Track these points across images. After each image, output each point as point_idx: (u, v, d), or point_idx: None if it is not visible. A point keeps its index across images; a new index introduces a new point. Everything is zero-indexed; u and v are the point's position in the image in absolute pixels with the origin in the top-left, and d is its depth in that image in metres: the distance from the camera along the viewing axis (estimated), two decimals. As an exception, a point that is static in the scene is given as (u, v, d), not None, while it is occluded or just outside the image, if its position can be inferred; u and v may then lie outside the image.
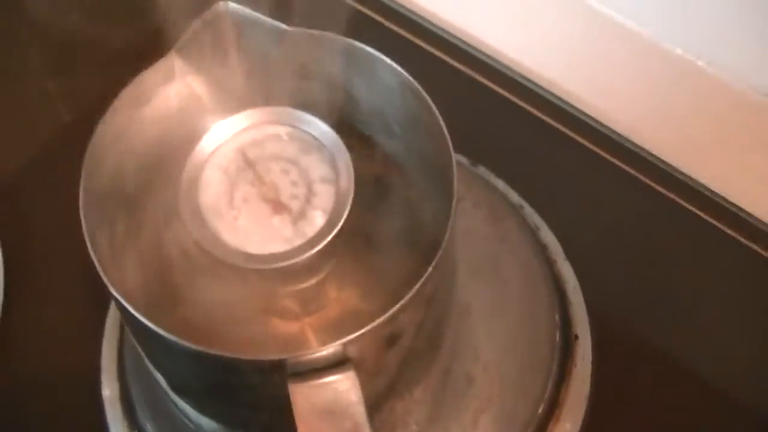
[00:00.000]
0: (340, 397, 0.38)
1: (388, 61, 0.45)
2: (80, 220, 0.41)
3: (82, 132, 0.63)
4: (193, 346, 0.38)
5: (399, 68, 0.44)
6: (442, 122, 0.43)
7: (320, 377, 0.38)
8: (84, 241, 0.54)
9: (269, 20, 0.45)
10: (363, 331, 0.38)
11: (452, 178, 0.42)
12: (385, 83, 0.46)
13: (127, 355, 0.60)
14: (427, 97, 0.44)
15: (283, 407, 0.39)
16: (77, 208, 0.40)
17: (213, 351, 0.38)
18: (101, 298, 0.61)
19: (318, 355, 0.38)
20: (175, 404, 0.52)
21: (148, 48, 0.47)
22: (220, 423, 0.49)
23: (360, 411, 0.38)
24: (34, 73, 0.76)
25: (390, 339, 0.41)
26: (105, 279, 0.39)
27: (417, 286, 0.39)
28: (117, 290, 0.39)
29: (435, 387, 0.53)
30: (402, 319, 0.40)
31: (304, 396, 0.38)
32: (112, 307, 0.62)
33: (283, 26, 0.46)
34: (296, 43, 0.46)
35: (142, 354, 0.49)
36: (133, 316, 0.39)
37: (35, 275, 0.65)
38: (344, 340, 0.38)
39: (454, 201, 0.41)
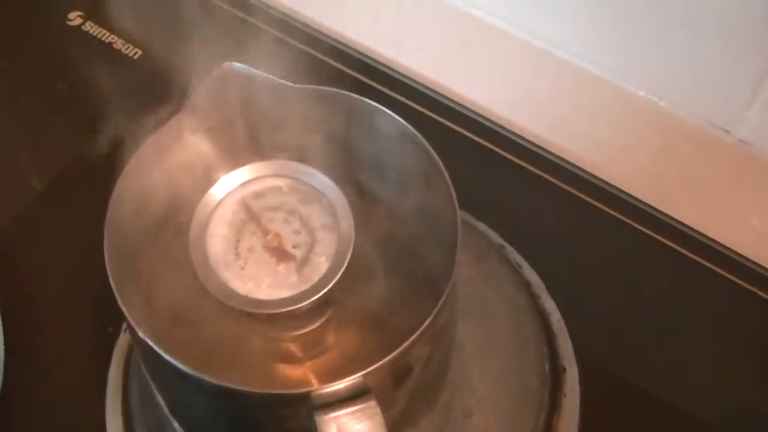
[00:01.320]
0: (365, 425, 0.40)
1: (388, 111, 0.47)
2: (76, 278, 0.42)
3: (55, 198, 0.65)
4: (227, 384, 0.40)
5: (398, 118, 0.47)
6: (443, 168, 0.45)
7: (345, 407, 0.40)
8: (81, 295, 0.57)
9: (273, 78, 0.48)
10: (382, 362, 0.40)
11: (455, 214, 0.44)
12: (385, 133, 0.48)
13: (134, 410, 0.61)
14: (428, 145, 0.46)
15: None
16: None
17: (243, 387, 0.40)
18: (102, 355, 0.63)
19: (341, 386, 0.40)
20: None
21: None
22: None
23: (383, 433, 0.40)
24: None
25: (404, 371, 0.43)
26: (132, 322, 0.42)
27: (431, 317, 0.41)
28: (144, 332, 0.41)
29: (437, 421, 0.56)
30: (416, 351, 0.43)
31: (330, 426, 0.40)
32: (114, 362, 0.63)
33: (287, 83, 0.48)
34: (299, 99, 0.49)
35: (161, 402, 0.51)
36: (162, 359, 0.41)
37: (33, 331, 0.66)
38: (365, 371, 0.40)
39: (459, 231, 0.44)
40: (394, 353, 0.40)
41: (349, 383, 0.40)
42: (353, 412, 0.40)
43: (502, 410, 0.59)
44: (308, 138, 0.51)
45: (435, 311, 0.41)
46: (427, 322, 0.41)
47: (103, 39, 0.82)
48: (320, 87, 0.48)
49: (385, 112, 0.47)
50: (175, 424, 0.52)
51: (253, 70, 0.48)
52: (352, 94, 0.48)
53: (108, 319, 0.64)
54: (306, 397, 0.40)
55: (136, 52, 0.80)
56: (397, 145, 0.48)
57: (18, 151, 0.76)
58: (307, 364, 0.53)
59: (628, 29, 0.75)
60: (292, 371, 0.53)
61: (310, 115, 0.50)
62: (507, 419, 0.59)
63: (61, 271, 0.69)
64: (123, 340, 0.64)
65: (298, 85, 0.48)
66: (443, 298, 0.42)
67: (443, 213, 0.47)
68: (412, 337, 0.41)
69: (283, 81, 0.48)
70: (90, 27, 0.82)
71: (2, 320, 0.64)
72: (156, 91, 0.49)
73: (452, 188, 0.45)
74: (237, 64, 0.48)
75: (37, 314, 0.67)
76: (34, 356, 0.65)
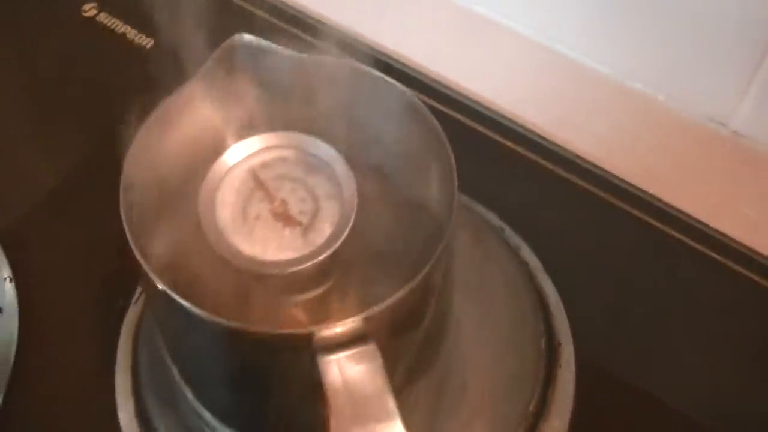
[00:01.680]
0: (365, 366, 0.42)
1: (393, 82, 0.50)
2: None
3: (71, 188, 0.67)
4: (227, 322, 0.42)
5: (404, 89, 0.49)
6: (445, 138, 0.48)
7: (346, 349, 0.42)
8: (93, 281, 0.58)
9: (281, 48, 0.50)
10: (381, 306, 0.42)
11: (453, 178, 0.46)
12: (390, 104, 0.50)
13: (142, 375, 0.63)
14: (432, 117, 0.48)
15: (310, 386, 0.43)
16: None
17: (247, 325, 0.42)
18: (112, 328, 0.65)
19: (342, 329, 0.42)
20: (200, 416, 0.56)
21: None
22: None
23: (381, 377, 0.42)
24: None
25: (402, 320, 0.45)
26: (147, 269, 0.43)
27: (428, 267, 0.43)
28: (150, 268, 0.44)
29: (432, 393, 0.58)
30: (412, 300, 0.44)
31: (332, 366, 0.42)
32: (123, 334, 0.65)
33: (295, 54, 0.50)
34: (306, 70, 0.51)
35: (167, 359, 0.53)
36: (171, 301, 0.43)
37: (45, 308, 0.69)
38: (364, 315, 0.42)
39: (456, 191, 0.46)
40: (391, 299, 0.42)
41: (349, 326, 0.42)
42: (353, 354, 0.42)
43: (498, 383, 0.61)
44: (315, 109, 0.52)
45: (431, 261, 0.43)
46: (424, 270, 0.43)
47: (116, 30, 0.83)
48: (327, 56, 0.50)
49: (390, 82, 0.49)
50: (186, 390, 0.53)
51: (263, 41, 0.50)
52: (358, 64, 0.50)
53: (118, 294, 0.66)
54: (309, 338, 0.42)
55: (149, 42, 0.82)
56: (401, 116, 0.50)
57: (36, 141, 0.78)
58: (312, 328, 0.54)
59: (625, 24, 0.77)
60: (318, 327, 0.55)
61: (316, 86, 0.51)
62: (503, 391, 0.61)
63: (74, 256, 0.71)
64: (132, 313, 0.66)
65: (304, 55, 0.50)
66: (440, 246, 0.44)
67: (443, 180, 0.48)
68: (409, 285, 0.43)
69: (290, 51, 0.50)
70: (104, 18, 0.84)
71: (18, 301, 0.66)
72: (169, 80, 0.52)
73: (452, 154, 0.47)
74: (247, 35, 0.50)
75: (49, 294, 0.69)
76: (46, 332, 0.67)
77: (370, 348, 0.42)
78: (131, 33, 0.83)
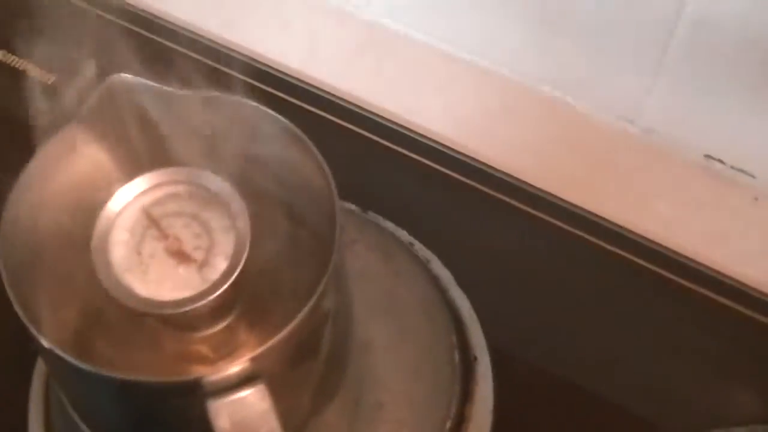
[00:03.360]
0: (254, 409, 0.42)
1: (271, 112, 0.49)
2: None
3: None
4: (118, 375, 0.41)
5: (281, 117, 0.49)
6: (320, 156, 0.47)
7: (235, 393, 0.42)
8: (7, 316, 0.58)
9: (158, 86, 0.49)
10: (267, 345, 0.42)
11: (333, 199, 0.46)
12: (270, 134, 0.50)
13: (55, 423, 0.62)
14: (308, 140, 0.48)
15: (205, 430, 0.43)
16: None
17: (136, 377, 0.42)
18: (23, 374, 0.64)
19: (230, 372, 0.42)
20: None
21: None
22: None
23: (272, 418, 0.42)
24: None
25: (294, 356, 0.45)
26: (33, 330, 0.43)
27: (315, 297, 0.43)
28: (45, 339, 0.43)
29: (348, 416, 0.57)
30: (304, 333, 0.44)
31: (221, 411, 0.41)
32: (36, 375, 0.64)
33: (173, 91, 0.50)
34: (185, 105, 0.50)
35: (70, 410, 0.52)
36: (60, 360, 0.42)
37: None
38: (251, 355, 0.42)
39: (338, 213, 0.46)
40: (278, 336, 0.42)
41: (237, 368, 0.42)
42: (243, 398, 0.42)
43: (414, 401, 0.61)
44: (201, 143, 0.52)
45: (319, 290, 0.43)
46: (310, 303, 0.43)
47: (18, 67, 0.82)
48: (204, 92, 0.49)
49: (265, 111, 0.49)
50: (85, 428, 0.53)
51: (141, 80, 0.49)
52: (235, 97, 0.49)
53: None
54: (197, 384, 0.42)
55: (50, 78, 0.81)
56: (281, 142, 0.50)
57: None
58: (219, 364, 0.54)
59: (529, 29, 0.77)
60: (203, 371, 0.54)
61: (199, 120, 0.51)
62: (419, 410, 0.61)
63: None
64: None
65: (182, 92, 0.49)
66: (325, 277, 0.43)
67: (327, 201, 0.48)
68: (296, 320, 0.42)
69: (169, 89, 0.49)
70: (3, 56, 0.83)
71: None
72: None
73: (329, 173, 0.47)
74: (125, 75, 0.49)
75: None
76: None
77: (258, 389, 0.42)
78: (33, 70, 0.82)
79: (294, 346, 0.44)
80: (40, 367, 0.64)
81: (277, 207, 0.54)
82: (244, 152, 0.52)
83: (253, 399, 0.42)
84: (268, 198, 0.54)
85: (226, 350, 0.54)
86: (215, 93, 0.50)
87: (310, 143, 0.48)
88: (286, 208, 0.54)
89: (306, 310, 0.43)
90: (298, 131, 0.49)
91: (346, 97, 0.81)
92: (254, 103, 0.49)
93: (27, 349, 0.61)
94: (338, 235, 0.45)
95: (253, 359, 0.42)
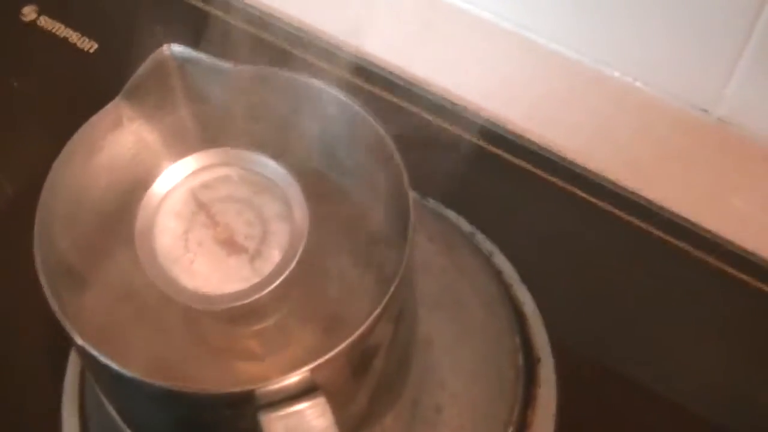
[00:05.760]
0: (314, 424, 0.38)
1: (335, 92, 0.45)
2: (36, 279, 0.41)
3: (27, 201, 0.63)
4: (161, 384, 0.38)
5: (347, 99, 0.45)
6: (393, 146, 0.43)
7: (291, 405, 0.38)
8: (42, 299, 0.54)
9: (214, 60, 0.45)
10: (330, 355, 0.38)
11: (407, 194, 0.42)
12: (334, 115, 0.46)
13: (90, 416, 0.59)
14: (377, 124, 0.44)
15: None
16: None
17: (181, 387, 0.38)
18: (58, 359, 0.61)
19: (287, 383, 0.38)
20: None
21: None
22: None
23: (333, 434, 0.38)
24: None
25: (358, 364, 0.41)
26: (67, 326, 0.39)
27: (381, 307, 0.39)
28: (80, 336, 0.39)
29: (405, 418, 0.54)
30: (368, 343, 0.40)
31: (277, 426, 0.37)
32: (69, 372, 0.61)
33: (228, 64, 0.46)
34: (242, 81, 0.46)
35: (107, 404, 0.49)
36: (97, 361, 0.39)
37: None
38: (312, 365, 0.38)
39: (411, 210, 0.42)
40: (342, 346, 0.38)
41: (295, 379, 0.38)
42: (301, 410, 0.38)
43: (475, 405, 0.57)
44: (256, 123, 0.48)
45: (385, 300, 0.39)
46: (376, 312, 0.39)
47: (58, 34, 0.79)
48: (263, 67, 0.46)
49: (332, 92, 0.45)
50: (125, 428, 0.49)
51: (194, 52, 0.45)
52: (296, 74, 0.46)
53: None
54: (250, 395, 0.38)
55: (92, 46, 0.78)
56: (348, 128, 0.46)
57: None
58: (269, 359, 0.51)
59: (600, 8, 0.73)
60: (252, 368, 0.51)
61: (256, 99, 0.47)
62: (480, 414, 0.57)
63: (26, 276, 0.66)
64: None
65: (240, 66, 0.45)
66: (393, 286, 0.39)
67: (397, 197, 0.44)
68: (361, 329, 0.39)
69: (225, 63, 0.45)
70: (44, 22, 0.79)
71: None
72: (115, 84, 0.47)
73: (403, 167, 0.43)
74: (176, 46, 0.46)
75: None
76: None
77: (319, 402, 0.38)
78: (74, 37, 0.78)
79: (359, 353, 0.40)
80: (74, 359, 0.60)
81: (338, 195, 0.50)
82: (304, 134, 0.48)
83: (313, 413, 0.38)
84: (328, 184, 0.50)
85: (275, 346, 0.50)
86: (275, 69, 0.45)
87: (380, 127, 0.43)
88: (348, 197, 0.50)
89: (374, 315, 0.38)
90: (370, 114, 0.44)
91: (400, 74, 0.77)
92: (319, 81, 0.45)
93: (61, 336, 0.59)
94: (412, 231, 0.41)
95: (313, 370, 0.38)
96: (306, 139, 0.49)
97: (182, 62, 0.47)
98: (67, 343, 0.58)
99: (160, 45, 0.47)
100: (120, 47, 0.76)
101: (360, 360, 0.41)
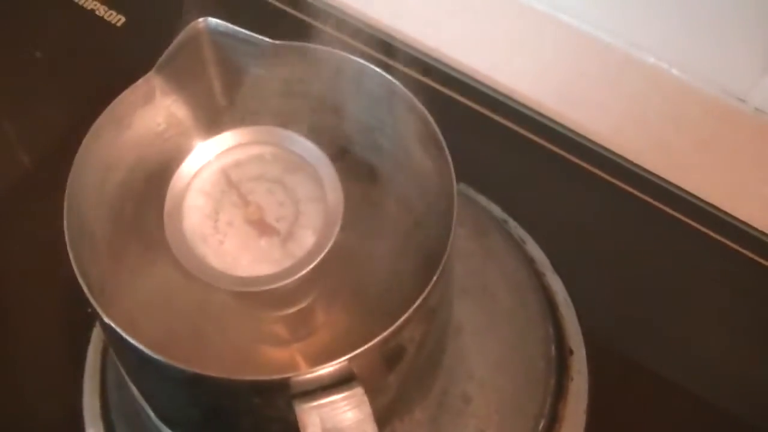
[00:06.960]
0: (350, 415, 0.36)
1: (378, 70, 0.43)
2: (57, 256, 0.39)
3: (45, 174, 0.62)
4: (193, 370, 0.36)
5: (389, 77, 0.43)
6: (438, 132, 0.41)
7: (328, 395, 0.36)
8: (62, 279, 0.53)
9: (250, 34, 0.44)
10: (369, 345, 0.36)
11: (452, 182, 0.40)
12: (374, 95, 0.44)
13: (110, 395, 0.57)
14: (422, 107, 0.42)
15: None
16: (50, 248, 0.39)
17: (214, 373, 0.36)
18: (80, 336, 0.60)
19: (324, 371, 0.36)
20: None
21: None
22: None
23: (371, 428, 0.36)
24: None
25: (395, 354, 0.40)
26: (96, 306, 0.38)
27: (423, 296, 0.37)
28: (109, 317, 0.37)
29: (433, 408, 0.52)
30: (407, 333, 0.39)
31: (312, 416, 0.36)
32: (91, 349, 0.60)
33: (265, 40, 0.44)
34: (278, 58, 0.45)
35: (132, 388, 0.48)
36: (127, 343, 0.37)
37: (10, 319, 0.63)
38: (350, 355, 0.36)
39: (455, 202, 0.40)
40: (382, 336, 0.36)
41: (332, 369, 0.36)
42: (337, 401, 0.37)
43: (505, 395, 0.56)
44: (291, 101, 0.47)
45: (427, 289, 0.37)
46: (418, 302, 0.37)
47: (85, 6, 0.77)
48: (302, 43, 0.44)
49: (374, 70, 0.43)
50: (148, 409, 0.48)
51: (229, 26, 0.44)
52: (337, 51, 0.44)
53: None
54: (284, 384, 0.36)
55: (120, 19, 0.76)
56: (388, 108, 0.45)
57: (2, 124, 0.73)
58: (295, 345, 0.50)
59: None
60: (279, 353, 0.50)
61: (292, 76, 0.46)
62: (509, 405, 0.56)
63: (38, 258, 0.65)
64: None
65: (278, 42, 0.44)
66: (436, 275, 0.38)
67: (439, 182, 0.43)
68: (402, 319, 0.37)
69: (262, 37, 0.44)
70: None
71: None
72: (142, 58, 0.46)
73: (448, 154, 0.41)
74: (212, 20, 0.44)
75: (15, 290, 0.64)
76: (11, 334, 0.62)
77: (357, 393, 0.36)
78: (101, 9, 0.77)
79: (397, 343, 0.38)
80: (96, 336, 0.59)
81: (374, 178, 0.48)
82: (341, 114, 0.47)
83: (350, 403, 0.36)
84: (364, 167, 0.48)
85: (303, 332, 0.50)
86: (312, 45, 0.44)
87: (422, 108, 0.42)
88: (385, 181, 0.48)
89: (416, 305, 0.37)
90: (407, 92, 0.42)
91: (433, 54, 0.75)
92: (358, 59, 0.43)
93: (83, 314, 0.58)
94: (454, 222, 0.39)
95: (351, 359, 0.36)
96: (343, 118, 0.47)
97: (217, 36, 0.45)
98: (89, 319, 0.57)
99: (188, 21, 0.45)
100: (148, 21, 0.75)
101: (397, 350, 0.40)
